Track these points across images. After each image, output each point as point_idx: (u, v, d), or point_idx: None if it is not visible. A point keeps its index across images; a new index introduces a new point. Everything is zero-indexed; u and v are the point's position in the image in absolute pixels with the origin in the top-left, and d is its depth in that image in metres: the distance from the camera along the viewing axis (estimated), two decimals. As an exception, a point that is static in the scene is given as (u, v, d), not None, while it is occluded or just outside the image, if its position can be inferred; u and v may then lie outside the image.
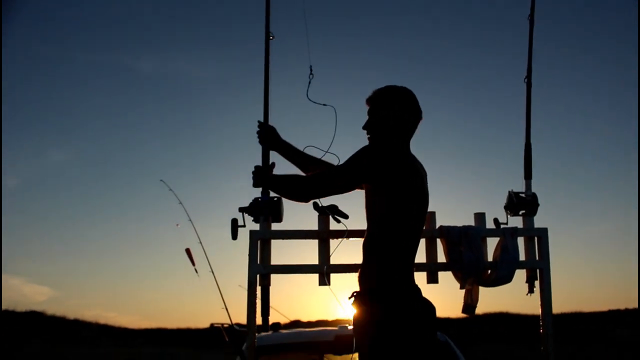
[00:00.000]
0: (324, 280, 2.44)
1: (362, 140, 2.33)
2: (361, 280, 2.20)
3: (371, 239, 2.20)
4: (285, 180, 2.39)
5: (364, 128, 2.35)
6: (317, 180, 2.32)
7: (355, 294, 2.22)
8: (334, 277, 2.48)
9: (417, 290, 2.21)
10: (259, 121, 2.56)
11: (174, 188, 3.55)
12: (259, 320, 2.52)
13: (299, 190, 2.33)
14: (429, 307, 2.19)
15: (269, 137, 2.53)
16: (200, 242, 3.55)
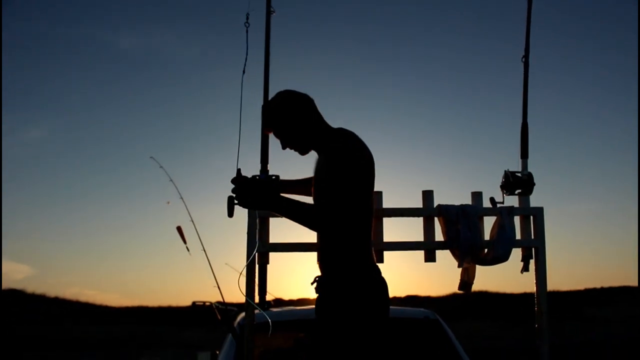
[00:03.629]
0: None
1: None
2: (326, 264, 2.12)
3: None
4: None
5: (285, 148, 2.23)
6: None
7: (318, 278, 2.16)
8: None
9: (378, 271, 2.13)
10: (236, 177, 2.10)
11: (164, 165, 3.50)
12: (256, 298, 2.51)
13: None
14: (385, 288, 2.10)
15: (260, 194, 2.08)
16: (192, 220, 3.52)
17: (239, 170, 2.06)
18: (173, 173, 3.45)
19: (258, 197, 2.04)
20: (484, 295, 23.91)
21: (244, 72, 2.24)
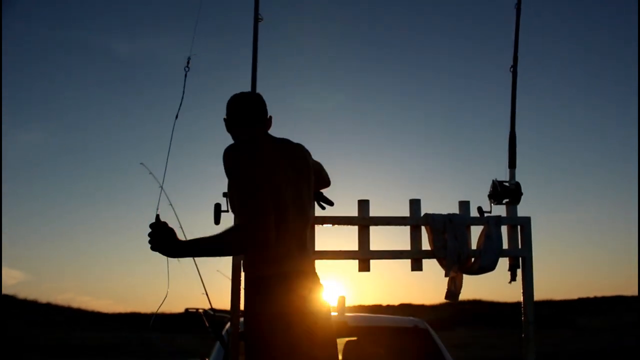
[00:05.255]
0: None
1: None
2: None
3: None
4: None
5: None
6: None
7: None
8: (318, 263, 2.47)
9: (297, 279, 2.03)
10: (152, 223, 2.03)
11: (154, 171, 3.50)
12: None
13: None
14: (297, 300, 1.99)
15: (166, 241, 1.99)
16: (181, 227, 3.50)
17: (157, 216, 2.07)
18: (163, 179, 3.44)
19: (167, 244, 2.00)
20: (479, 303, 23.92)
21: (176, 117, 2.23)
